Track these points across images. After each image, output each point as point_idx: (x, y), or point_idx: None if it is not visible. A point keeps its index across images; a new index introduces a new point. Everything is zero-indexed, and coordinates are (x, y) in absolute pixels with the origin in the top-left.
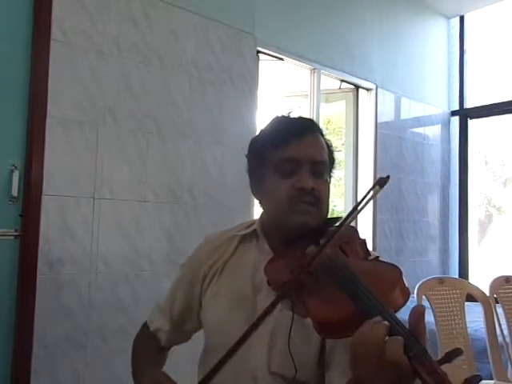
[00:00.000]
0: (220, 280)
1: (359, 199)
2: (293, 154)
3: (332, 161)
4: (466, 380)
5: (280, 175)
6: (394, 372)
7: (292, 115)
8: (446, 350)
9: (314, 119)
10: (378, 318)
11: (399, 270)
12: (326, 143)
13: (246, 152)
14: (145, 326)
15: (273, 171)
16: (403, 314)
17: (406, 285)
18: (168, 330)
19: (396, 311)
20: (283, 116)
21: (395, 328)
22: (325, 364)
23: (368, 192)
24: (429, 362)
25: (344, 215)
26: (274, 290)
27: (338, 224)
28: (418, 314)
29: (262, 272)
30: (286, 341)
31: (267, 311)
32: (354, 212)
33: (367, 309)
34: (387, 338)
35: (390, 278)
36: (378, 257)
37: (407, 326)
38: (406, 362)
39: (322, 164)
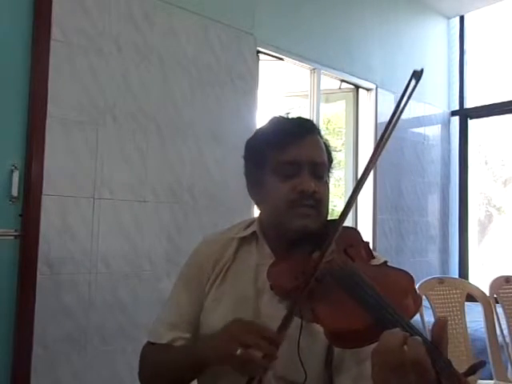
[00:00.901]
0: (222, 284)
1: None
2: (293, 157)
3: (330, 161)
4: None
5: (280, 177)
6: (417, 378)
7: (290, 116)
8: (471, 363)
9: (314, 119)
10: (396, 330)
11: (411, 276)
12: (325, 143)
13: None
14: (150, 344)
15: (272, 173)
16: None
17: (418, 292)
18: (189, 337)
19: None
20: (281, 117)
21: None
22: (333, 369)
23: (406, 88)
24: (456, 375)
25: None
26: (278, 295)
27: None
28: (441, 325)
29: (264, 275)
30: (292, 346)
31: (287, 321)
32: (397, 112)
33: (384, 319)
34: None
35: (402, 286)
36: (386, 261)
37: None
38: (429, 363)
39: (322, 165)
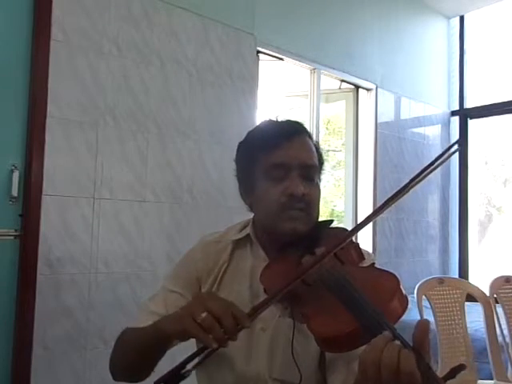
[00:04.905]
0: (219, 291)
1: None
2: (282, 159)
3: (321, 162)
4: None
5: (270, 180)
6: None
7: (280, 118)
8: (451, 366)
9: (314, 119)
10: (387, 334)
11: (396, 278)
12: (315, 145)
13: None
14: (129, 328)
15: (262, 176)
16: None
17: (404, 293)
18: None
19: (395, 322)
20: (270, 119)
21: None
22: (326, 369)
23: (443, 153)
24: (435, 379)
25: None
26: None
27: (390, 198)
28: (423, 328)
29: (258, 278)
30: (287, 348)
31: (256, 311)
32: (427, 170)
33: (370, 324)
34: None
35: (388, 288)
36: (373, 263)
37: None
38: (418, 376)
39: (312, 168)
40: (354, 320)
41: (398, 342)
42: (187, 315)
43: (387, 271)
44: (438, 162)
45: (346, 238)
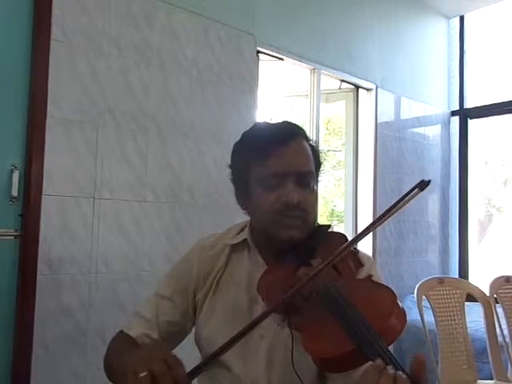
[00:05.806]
0: (216, 295)
1: (377, 212)
2: (275, 169)
3: (319, 164)
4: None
5: (264, 188)
6: None
7: (275, 120)
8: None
9: (314, 119)
10: (381, 363)
11: (393, 293)
12: (312, 147)
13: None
14: (122, 332)
15: (256, 184)
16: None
17: (402, 308)
18: (156, 339)
19: (394, 339)
20: (266, 122)
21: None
22: (326, 377)
23: (406, 194)
24: None
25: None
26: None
27: (365, 228)
28: (419, 361)
29: (256, 284)
30: (286, 357)
31: (260, 319)
32: (387, 214)
33: (364, 346)
34: None
35: (386, 305)
36: (370, 275)
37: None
38: None
39: (307, 174)
40: (348, 341)
41: (391, 368)
42: (130, 370)
43: (384, 285)
44: (402, 202)
45: (339, 253)
